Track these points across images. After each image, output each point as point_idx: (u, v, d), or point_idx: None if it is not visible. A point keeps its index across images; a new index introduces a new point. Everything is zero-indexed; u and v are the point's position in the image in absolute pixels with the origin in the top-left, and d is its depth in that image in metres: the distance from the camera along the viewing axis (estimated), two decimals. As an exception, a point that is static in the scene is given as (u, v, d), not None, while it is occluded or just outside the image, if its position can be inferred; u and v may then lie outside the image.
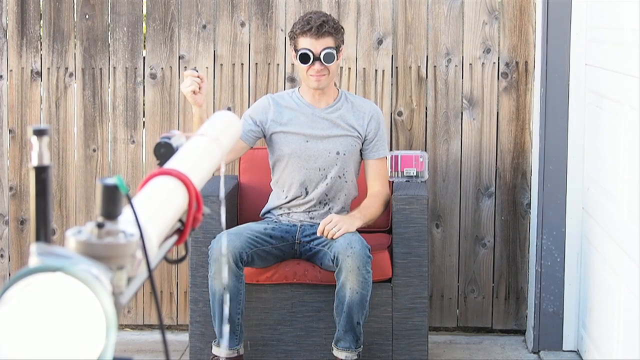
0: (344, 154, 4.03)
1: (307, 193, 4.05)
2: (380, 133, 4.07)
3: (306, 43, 3.92)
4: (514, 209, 4.53)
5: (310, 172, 4.03)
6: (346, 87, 4.53)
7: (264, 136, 4.07)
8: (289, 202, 4.06)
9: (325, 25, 3.91)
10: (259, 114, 4.05)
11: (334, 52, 3.92)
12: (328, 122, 4.04)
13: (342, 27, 4.03)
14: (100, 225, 1.07)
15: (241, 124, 1.75)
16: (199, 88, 3.72)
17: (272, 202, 4.12)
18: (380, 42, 4.53)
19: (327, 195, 4.05)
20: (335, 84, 4.13)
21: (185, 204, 1.37)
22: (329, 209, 4.05)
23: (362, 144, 4.07)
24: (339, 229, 3.81)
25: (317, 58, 3.91)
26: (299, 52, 3.92)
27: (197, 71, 3.74)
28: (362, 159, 4.11)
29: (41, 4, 4.60)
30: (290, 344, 4.03)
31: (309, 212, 4.06)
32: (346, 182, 4.06)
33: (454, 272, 4.58)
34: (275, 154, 4.07)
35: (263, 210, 4.16)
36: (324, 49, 3.90)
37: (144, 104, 4.63)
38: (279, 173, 4.08)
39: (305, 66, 3.93)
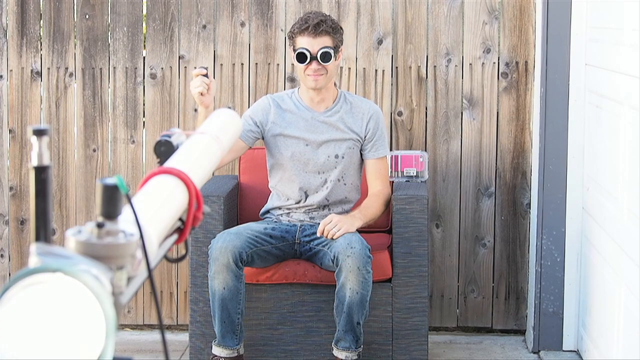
0: (343, 157, 4.03)
1: (306, 197, 4.04)
2: (379, 132, 4.07)
3: (304, 42, 3.91)
4: (514, 209, 4.53)
5: (310, 176, 4.03)
6: (346, 87, 4.53)
7: (263, 137, 4.06)
8: (290, 205, 4.06)
9: (322, 25, 3.91)
10: (259, 114, 4.05)
11: (332, 51, 3.91)
12: (327, 125, 4.03)
13: (341, 27, 4.02)
14: (100, 225, 1.07)
15: (241, 122, 1.75)
16: (207, 89, 3.73)
17: (271, 203, 4.12)
18: (380, 42, 4.53)
19: (327, 200, 4.04)
20: (335, 84, 4.12)
21: (186, 203, 1.37)
22: (330, 211, 4.05)
23: (362, 144, 4.06)
24: (339, 229, 3.81)
25: (314, 57, 3.90)
26: (296, 52, 3.91)
27: (206, 69, 3.75)
28: (362, 160, 4.10)
29: (41, 4, 4.60)
30: (290, 344, 4.03)
31: (309, 212, 4.06)
32: (345, 184, 4.05)
33: (454, 272, 4.58)
34: (274, 157, 4.06)
35: (262, 210, 4.15)
36: (321, 49, 3.89)
37: (144, 104, 4.63)
38: (277, 177, 4.07)
39: (302, 66, 3.92)
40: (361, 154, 4.08)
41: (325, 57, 3.89)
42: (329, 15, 4.03)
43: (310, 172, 4.03)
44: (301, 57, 3.90)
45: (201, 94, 3.73)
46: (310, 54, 3.89)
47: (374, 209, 3.99)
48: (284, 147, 4.02)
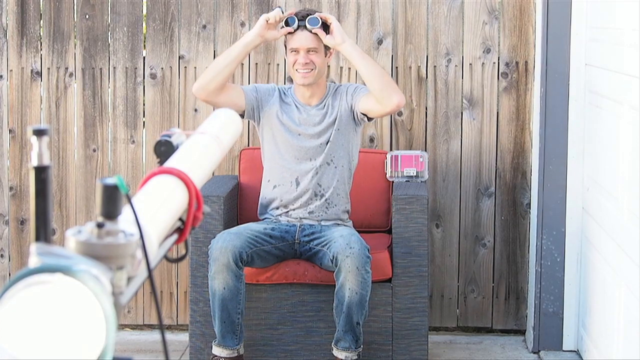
0: (330, 141, 4.03)
1: (298, 184, 4.04)
2: (353, 87, 4.06)
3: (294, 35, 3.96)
4: (514, 209, 4.53)
5: (302, 163, 4.03)
6: (346, 87, 4.53)
7: (259, 119, 4.05)
8: (282, 194, 4.05)
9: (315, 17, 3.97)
10: (263, 89, 4.08)
11: (319, 19, 3.92)
12: (319, 117, 4.05)
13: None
14: (100, 225, 1.07)
15: (241, 123, 1.75)
16: (275, 23, 3.90)
17: (263, 194, 4.11)
18: (380, 42, 4.53)
19: (320, 185, 4.04)
20: (327, 79, 4.14)
21: (186, 203, 1.37)
22: (325, 199, 4.04)
23: (351, 106, 4.02)
24: (337, 27, 3.91)
25: (301, 20, 3.92)
26: (285, 19, 3.95)
27: (282, 11, 3.94)
28: (353, 139, 4.06)
29: (41, 4, 4.60)
30: (290, 344, 4.03)
31: (307, 206, 4.05)
32: (335, 167, 4.05)
33: (454, 272, 4.58)
34: (267, 143, 4.07)
35: (259, 210, 4.15)
36: (310, 16, 3.92)
37: (144, 104, 4.63)
38: (269, 164, 4.08)
39: (291, 60, 3.96)
40: (355, 118, 4.03)
41: (313, 21, 3.91)
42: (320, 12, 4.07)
43: (302, 159, 4.03)
44: (290, 20, 3.93)
45: (267, 20, 3.88)
46: (298, 20, 3.93)
47: (373, 61, 4.02)
48: (278, 132, 4.04)
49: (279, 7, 4.01)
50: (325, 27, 3.96)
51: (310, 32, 3.93)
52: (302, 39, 3.94)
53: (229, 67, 3.91)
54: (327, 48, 3.98)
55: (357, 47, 3.99)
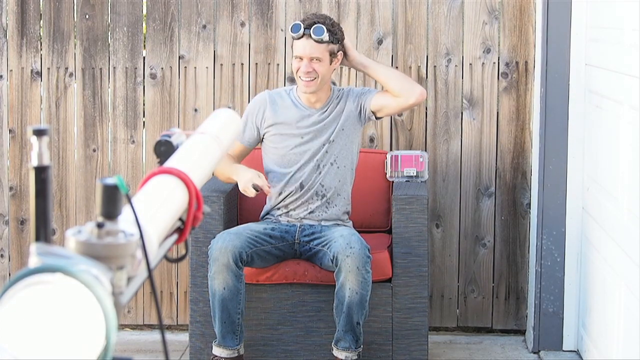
0: (333, 140, 4.03)
1: (302, 187, 4.04)
2: (360, 89, 4.09)
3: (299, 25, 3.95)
4: (514, 209, 4.53)
5: (306, 166, 4.03)
6: (346, 87, 4.53)
7: (261, 136, 4.07)
8: (285, 198, 4.05)
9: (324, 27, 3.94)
10: (254, 112, 4.06)
11: (324, 28, 3.89)
12: (324, 120, 4.04)
13: (341, 31, 3.99)
14: (100, 225, 1.07)
15: (241, 122, 1.75)
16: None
17: (270, 203, 4.12)
18: (380, 42, 4.52)
19: (323, 186, 4.04)
20: (333, 83, 4.14)
21: (186, 203, 1.37)
22: (326, 199, 4.04)
23: (359, 104, 4.03)
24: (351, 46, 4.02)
25: (307, 28, 3.89)
26: (292, 25, 3.94)
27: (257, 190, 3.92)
28: (356, 139, 4.07)
29: (41, 4, 4.60)
30: (290, 344, 4.03)
31: (308, 204, 4.04)
32: (338, 167, 4.05)
33: (454, 272, 4.58)
34: (270, 152, 4.07)
35: (262, 213, 4.15)
36: (316, 24, 3.90)
37: (144, 104, 4.63)
38: (274, 172, 4.07)
39: (295, 66, 3.94)
40: (362, 117, 4.04)
41: (318, 31, 3.88)
42: (330, 19, 4.03)
43: (305, 162, 4.03)
44: (295, 27, 3.91)
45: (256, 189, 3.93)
46: (304, 28, 3.90)
47: (390, 68, 4.16)
48: (279, 141, 4.03)
49: (255, 186, 3.93)
50: (332, 35, 3.93)
51: (315, 41, 3.90)
52: (306, 47, 3.91)
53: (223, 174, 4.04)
54: (332, 56, 3.96)
55: (364, 56, 4.11)
